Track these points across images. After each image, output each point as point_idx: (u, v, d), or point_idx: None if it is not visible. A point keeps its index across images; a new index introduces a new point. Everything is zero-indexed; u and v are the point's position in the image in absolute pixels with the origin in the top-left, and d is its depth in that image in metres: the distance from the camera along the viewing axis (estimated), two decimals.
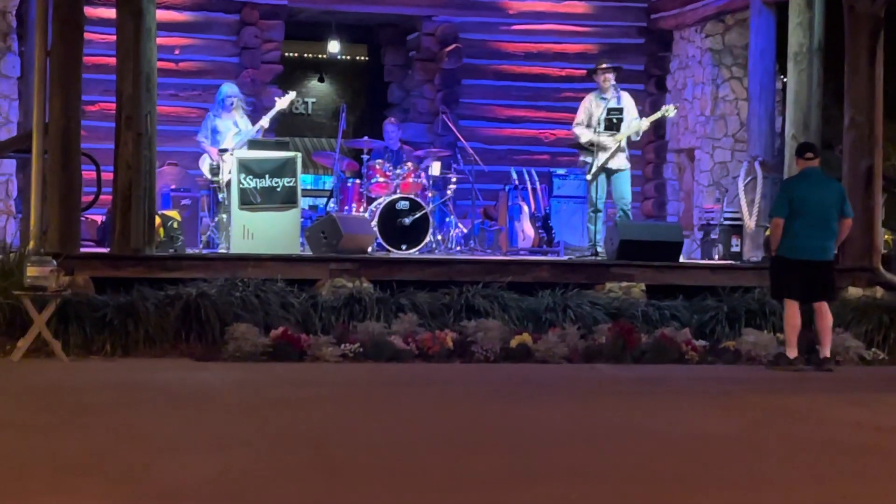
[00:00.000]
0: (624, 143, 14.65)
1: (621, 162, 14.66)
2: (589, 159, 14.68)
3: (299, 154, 14.27)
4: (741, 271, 14.01)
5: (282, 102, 14.96)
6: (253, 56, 18.23)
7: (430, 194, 15.51)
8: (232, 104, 15.01)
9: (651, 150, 19.39)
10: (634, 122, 14.81)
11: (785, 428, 8.81)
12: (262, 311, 12.14)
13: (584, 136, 14.66)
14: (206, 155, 14.92)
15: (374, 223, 14.62)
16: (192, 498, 6.10)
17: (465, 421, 8.77)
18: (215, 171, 14.68)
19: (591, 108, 14.73)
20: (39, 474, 6.52)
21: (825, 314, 12.01)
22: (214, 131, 14.96)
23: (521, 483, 6.63)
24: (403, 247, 14.68)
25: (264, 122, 15.00)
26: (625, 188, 14.75)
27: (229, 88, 15.31)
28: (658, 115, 15.03)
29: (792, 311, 11.96)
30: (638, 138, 15.38)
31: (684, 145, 19.06)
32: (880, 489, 6.71)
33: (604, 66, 14.90)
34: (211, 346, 11.88)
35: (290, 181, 13.72)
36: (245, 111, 15.28)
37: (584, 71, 16.99)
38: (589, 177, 14.77)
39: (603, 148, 14.48)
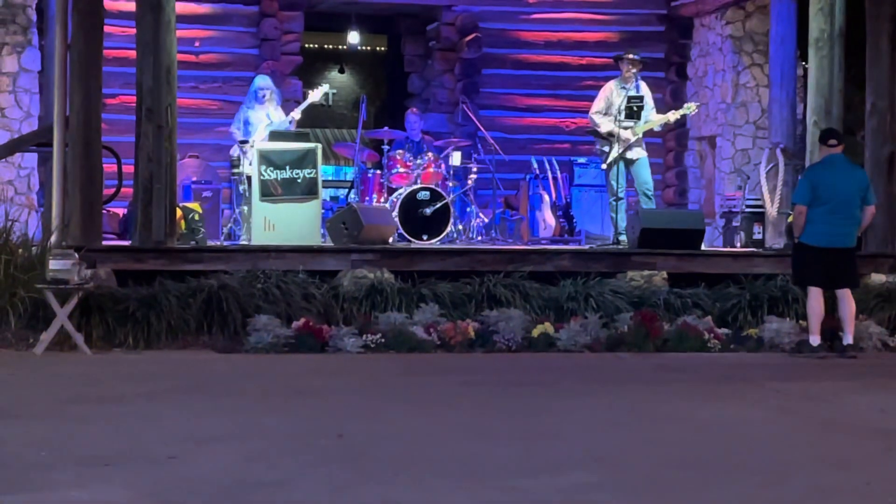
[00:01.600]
0: (640, 134, 14.62)
1: (638, 151, 14.63)
2: (606, 148, 14.66)
3: (319, 145, 14.27)
4: (763, 259, 13.96)
5: (315, 95, 14.99)
6: (273, 48, 18.25)
7: (450, 184, 15.51)
8: (265, 96, 15.06)
9: (672, 137, 19.34)
10: (655, 115, 14.76)
11: (809, 414, 8.79)
12: (283, 302, 12.14)
13: (605, 125, 14.60)
14: (236, 146, 14.96)
15: (394, 214, 14.62)
16: (217, 487, 6.12)
17: (487, 410, 8.77)
18: (236, 162, 14.70)
19: (612, 96, 14.68)
20: (65, 466, 6.54)
21: (848, 301, 11.98)
22: (247, 123, 15.01)
23: (543, 470, 6.63)
24: (424, 237, 14.67)
25: (296, 113, 15.03)
26: (646, 174, 14.71)
27: (262, 80, 15.36)
28: (681, 112, 14.95)
29: (815, 299, 11.93)
30: (660, 129, 15.35)
31: (705, 133, 19.01)
32: None
33: (632, 56, 14.80)
34: (233, 338, 11.89)
35: (311, 172, 13.73)
36: (278, 103, 15.32)
37: (604, 59, 16.98)
38: (604, 166, 14.75)
39: (621, 138, 14.44)
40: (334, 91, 22.41)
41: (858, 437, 7.83)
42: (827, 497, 6.13)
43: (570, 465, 6.79)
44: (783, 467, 6.82)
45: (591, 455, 7.08)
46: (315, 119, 20.82)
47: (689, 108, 15.06)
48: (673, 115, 14.93)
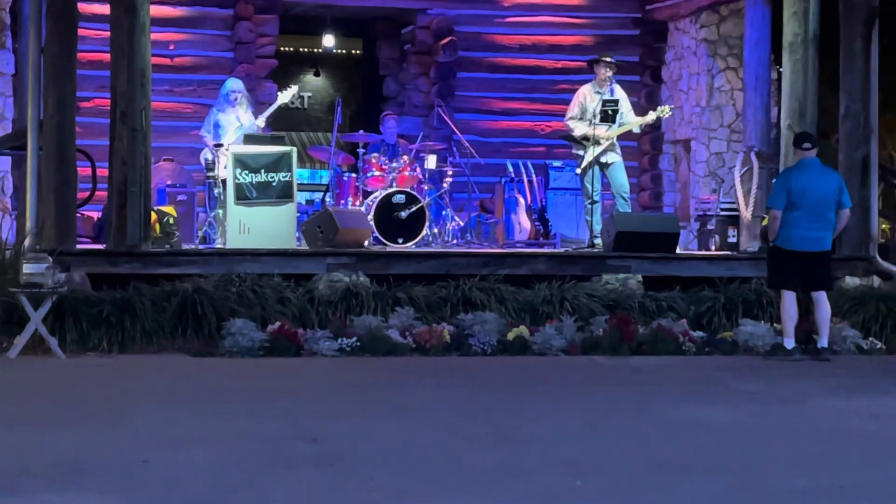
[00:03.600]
0: (615, 138, 14.64)
1: (614, 155, 14.65)
2: (581, 152, 14.68)
3: (294, 149, 14.25)
4: (738, 262, 14.00)
5: (284, 97, 14.96)
6: (248, 51, 18.20)
7: (426, 188, 15.50)
8: (236, 99, 15.00)
9: (647, 141, 19.36)
10: (629, 116, 14.78)
11: (782, 416, 8.82)
12: (258, 305, 12.13)
13: (579, 129, 14.64)
14: (206, 149, 14.92)
15: (370, 217, 14.60)
16: (191, 492, 6.10)
17: (462, 413, 8.77)
18: (211, 166, 14.66)
19: (585, 101, 14.70)
20: (38, 470, 6.51)
21: (823, 304, 12.01)
22: (217, 126, 14.94)
23: (519, 473, 6.64)
24: (400, 240, 14.66)
25: (261, 120, 14.99)
26: (622, 178, 14.74)
27: (233, 83, 15.30)
28: (654, 115, 14.97)
29: (789, 302, 11.96)
30: (639, 131, 15.38)
31: (680, 136, 19.05)
32: (878, 477, 6.72)
33: (608, 59, 14.81)
34: (208, 342, 11.87)
35: (286, 176, 13.72)
36: (249, 106, 15.27)
37: (580, 63, 17.00)
38: (579, 170, 14.78)
39: (596, 142, 14.46)
40: (309, 94, 22.41)
41: (832, 441, 7.86)
42: (801, 500, 6.15)
43: (544, 467, 6.80)
44: (757, 470, 6.84)
45: (566, 457, 7.08)
46: (290, 122, 20.80)
47: (664, 110, 15.08)
48: (648, 118, 14.95)
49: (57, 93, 12.54)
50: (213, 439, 7.53)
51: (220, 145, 14.48)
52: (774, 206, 12.05)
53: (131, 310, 11.80)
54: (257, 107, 15.93)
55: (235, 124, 14.82)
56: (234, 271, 12.47)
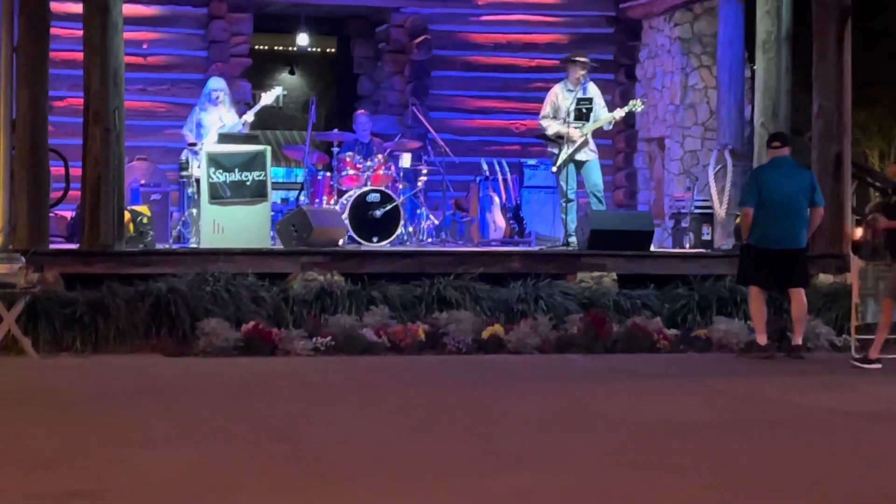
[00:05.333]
0: (589, 136, 14.64)
1: (588, 153, 14.66)
2: (556, 151, 14.70)
3: (269, 147, 14.22)
4: (712, 259, 14.04)
5: (268, 97, 14.95)
6: (222, 50, 18.18)
7: (400, 186, 15.50)
8: (217, 98, 14.97)
9: (622, 139, 19.41)
10: (603, 114, 14.80)
11: (756, 414, 8.84)
12: (233, 305, 12.10)
13: (552, 127, 14.65)
14: (187, 149, 14.87)
15: (344, 216, 14.59)
16: (165, 493, 6.08)
17: (438, 412, 8.77)
18: (185, 165, 14.63)
19: (558, 100, 14.71)
20: (10, 471, 6.48)
21: (799, 301, 12.03)
22: (199, 125, 14.92)
23: (494, 472, 6.64)
24: (375, 239, 14.65)
25: (249, 116, 14.97)
26: (596, 176, 14.75)
27: (216, 83, 15.27)
28: (626, 109, 14.97)
29: (755, 298, 12.01)
30: (610, 128, 15.39)
31: (654, 134, 19.10)
32: (851, 473, 6.74)
33: (582, 59, 14.79)
34: (182, 342, 11.83)
35: (260, 175, 13.70)
36: (232, 106, 15.24)
37: (554, 61, 17.01)
38: (554, 168, 14.80)
39: (570, 140, 14.47)
40: (284, 93, 22.37)
41: (805, 438, 7.88)
42: (773, 497, 6.16)
43: (518, 466, 6.80)
44: (730, 468, 6.85)
45: (541, 457, 7.09)
46: (265, 121, 20.78)
47: (635, 104, 15.07)
48: (617, 113, 14.94)
49: (29, 92, 12.50)
50: (187, 439, 7.51)
51: (193, 144, 14.45)
52: (747, 203, 12.08)
53: (105, 310, 11.76)
54: (234, 106, 15.89)
55: (218, 124, 14.79)
56: (208, 271, 12.44)
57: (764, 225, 11.95)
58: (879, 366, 11.20)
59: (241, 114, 15.23)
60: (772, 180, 11.99)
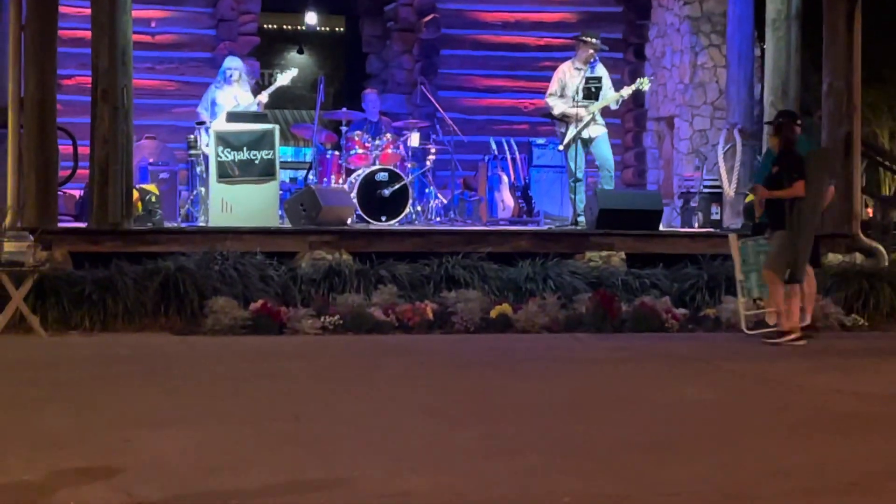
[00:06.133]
0: (597, 113, 14.61)
1: (596, 129, 14.63)
2: (563, 129, 14.67)
3: (277, 126, 14.21)
4: (721, 239, 13.97)
5: (284, 78, 14.92)
6: (230, 28, 18.15)
7: (409, 165, 15.48)
8: (232, 76, 14.96)
9: (630, 118, 19.37)
10: (610, 93, 14.78)
11: (765, 394, 8.82)
12: (241, 284, 12.10)
13: (558, 107, 14.63)
14: (201, 127, 14.85)
15: (353, 195, 14.57)
16: (172, 472, 6.08)
17: (446, 392, 8.76)
18: (193, 143, 14.62)
19: (566, 78, 14.69)
20: (19, 450, 6.49)
21: (811, 281, 11.99)
22: (214, 103, 14.90)
23: (500, 452, 6.63)
24: (383, 218, 14.63)
25: (263, 97, 14.95)
26: (606, 152, 14.74)
27: (232, 61, 15.26)
28: (634, 87, 14.94)
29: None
30: (617, 107, 15.36)
31: (664, 113, 19.05)
32: (860, 454, 6.72)
33: (593, 40, 14.77)
34: (190, 320, 11.85)
35: (269, 154, 13.68)
36: (248, 84, 15.21)
37: (562, 40, 16.98)
38: (561, 147, 14.78)
39: (577, 118, 14.44)
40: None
41: (813, 419, 7.86)
42: (780, 478, 6.15)
43: (526, 447, 6.79)
44: (738, 449, 6.84)
45: (548, 437, 7.08)
46: (273, 100, 20.70)
47: (642, 83, 15.04)
48: (624, 92, 14.91)
49: (38, 71, 12.49)
50: (194, 418, 7.51)
51: (202, 122, 14.44)
52: (761, 182, 12.03)
53: (113, 288, 11.76)
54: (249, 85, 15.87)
55: (233, 103, 14.78)
56: (216, 249, 12.44)
57: None
58: (798, 336, 11.29)
59: (254, 93, 15.20)
60: None
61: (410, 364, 10.18)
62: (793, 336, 11.30)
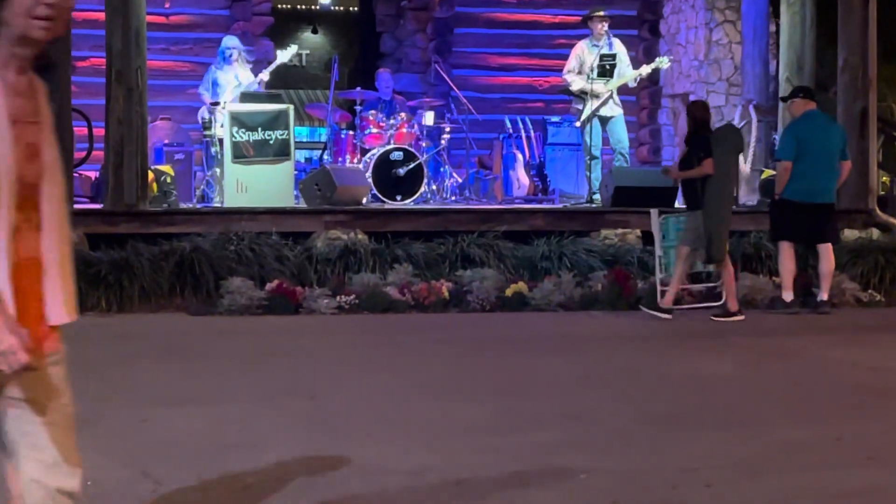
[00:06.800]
0: (614, 92, 14.60)
1: (613, 108, 14.62)
2: (580, 106, 14.66)
3: (292, 106, 14.20)
4: (737, 216, 13.94)
5: (283, 55, 14.90)
6: (244, 8, 18.14)
7: (424, 144, 15.46)
8: (231, 55, 14.94)
9: (646, 95, 19.33)
10: (627, 70, 14.76)
11: (781, 369, 8.82)
12: (256, 264, 12.11)
13: (576, 83, 14.62)
14: (204, 107, 14.88)
15: (368, 174, 14.57)
16: (189, 451, 6.11)
17: (462, 370, 8.77)
18: (208, 124, 14.63)
19: (583, 55, 14.68)
20: None
21: (827, 257, 11.97)
22: (215, 84, 14.89)
23: (515, 428, 6.65)
24: (398, 197, 14.63)
25: (265, 75, 14.93)
26: (621, 133, 14.72)
27: (230, 41, 15.25)
28: (652, 66, 14.96)
29: (787, 254, 11.95)
30: (634, 84, 15.35)
31: (679, 90, 19.00)
32: (875, 428, 6.73)
33: (600, 14, 14.79)
34: (206, 301, 11.86)
35: (283, 133, 13.68)
36: (247, 64, 15.21)
37: (577, 17, 16.93)
38: (578, 123, 14.77)
39: (595, 95, 14.43)
40: (307, 52, 22.32)
41: (830, 393, 7.86)
42: (798, 452, 6.15)
43: (542, 423, 6.81)
44: (754, 423, 6.85)
45: (564, 413, 7.09)
46: (287, 80, 20.70)
47: (662, 61, 15.04)
48: (645, 69, 14.90)
49: (51, 51, 12.47)
50: (210, 398, 7.54)
51: (216, 103, 14.44)
52: (785, 157, 12.01)
53: (129, 269, 11.78)
54: (255, 65, 15.87)
55: (234, 82, 14.77)
56: (231, 230, 12.45)
57: (800, 179, 11.87)
58: (670, 316, 11.38)
59: (261, 72, 15.19)
60: (811, 133, 11.92)
61: (426, 342, 10.19)
62: (739, 317, 11.39)
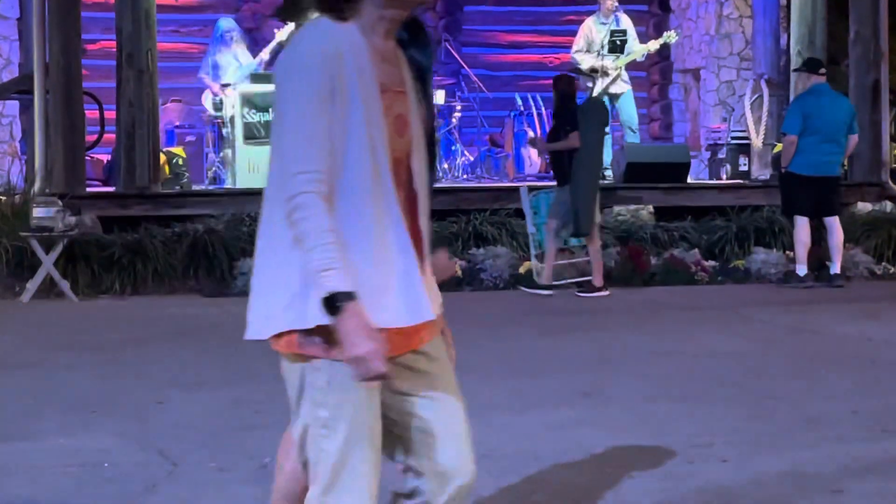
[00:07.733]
0: (623, 68, 14.57)
1: (622, 85, 14.60)
2: (590, 83, 14.61)
3: None
4: (749, 190, 13.96)
5: (281, 34, 14.89)
6: None
7: (434, 123, 15.42)
8: (231, 38, 14.92)
9: (656, 71, 19.27)
10: (636, 46, 14.73)
11: (795, 344, 8.81)
12: None
13: (585, 62, 14.58)
14: (207, 91, 14.87)
15: None
16: (204, 433, 6.12)
17: (476, 348, 8.76)
18: (218, 106, 14.63)
19: (591, 33, 14.65)
20: (52, 414, 6.54)
21: (836, 230, 11.97)
22: (215, 67, 14.87)
23: (530, 406, 6.65)
24: None
25: (264, 54, 14.91)
26: (631, 108, 14.70)
27: (226, 23, 15.22)
28: (661, 40, 14.93)
29: (802, 228, 11.93)
30: (643, 60, 15.31)
31: (690, 65, 18.94)
32: (891, 401, 6.72)
33: None
34: (219, 282, 11.88)
35: None
36: (245, 44, 15.19)
37: None
38: None
39: (604, 73, 14.41)
40: None
41: (845, 367, 7.85)
42: (813, 427, 6.15)
43: (557, 401, 6.80)
44: (770, 399, 6.84)
45: (579, 391, 7.09)
46: None
47: (670, 36, 15.01)
48: (654, 45, 14.87)
49: (62, 35, 12.50)
50: (225, 380, 7.54)
51: (227, 85, 14.43)
52: (790, 131, 11.99)
53: (142, 252, 11.81)
54: (262, 46, 15.86)
55: (234, 63, 14.75)
56: (244, 211, 12.45)
57: (807, 152, 11.86)
58: (551, 292, 11.48)
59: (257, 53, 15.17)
60: (816, 107, 11.90)
61: None
62: (604, 292, 11.53)
